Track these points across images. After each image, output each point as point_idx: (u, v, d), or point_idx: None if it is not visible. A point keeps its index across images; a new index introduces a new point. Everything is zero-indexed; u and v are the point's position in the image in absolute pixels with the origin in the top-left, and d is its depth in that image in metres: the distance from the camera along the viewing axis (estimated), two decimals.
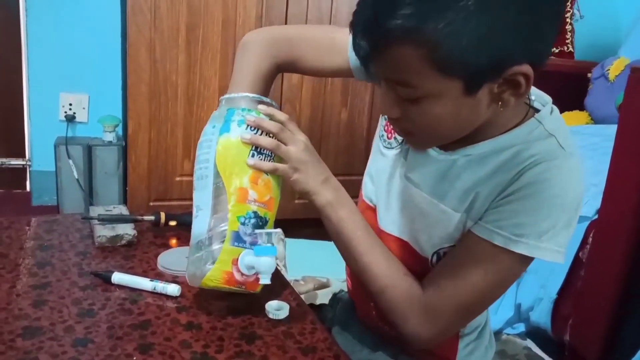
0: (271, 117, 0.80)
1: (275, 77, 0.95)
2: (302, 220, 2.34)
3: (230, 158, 0.78)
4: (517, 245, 0.70)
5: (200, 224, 0.78)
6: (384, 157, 0.86)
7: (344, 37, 0.85)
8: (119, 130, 2.37)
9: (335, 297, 1.12)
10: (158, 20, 1.96)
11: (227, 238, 0.76)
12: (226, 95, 0.84)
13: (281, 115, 0.81)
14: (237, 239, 0.76)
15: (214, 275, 0.76)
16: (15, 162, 2.52)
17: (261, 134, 0.79)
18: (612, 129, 1.53)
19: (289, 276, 1.45)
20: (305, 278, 1.25)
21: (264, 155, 0.79)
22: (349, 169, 2.27)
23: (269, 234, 0.77)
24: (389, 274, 0.79)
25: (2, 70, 2.43)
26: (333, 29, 0.92)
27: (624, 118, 1.36)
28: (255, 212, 0.78)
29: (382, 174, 0.86)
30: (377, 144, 0.91)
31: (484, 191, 0.73)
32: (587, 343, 1.44)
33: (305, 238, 2.06)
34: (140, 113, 2.03)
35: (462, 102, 0.65)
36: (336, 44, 0.88)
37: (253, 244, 0.77)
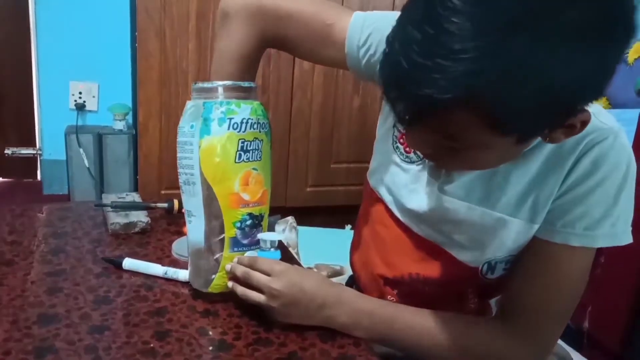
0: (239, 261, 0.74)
1: (263, 52, 0.86)
2: (314, 208, 2.34)
3: (216, 164, 0.73)
4: (595, 240, 0.68)
5: (195, 232, 0.77)
6: (403, 171, 0.80)
7: (342, 26, 0.77)
8: (129, 118, 2.36)
9: (349, 284, 1.11)
10: (168, 6, 1.94)
11: (226, 245, 0.76)
12: (199, 84, 0.75)
13: (244, 259, 0.74)
14: (236, 244, 0.76)
15: (218, 283, 0.77)
16: (26, 151, 2.52)
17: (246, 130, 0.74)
18: (632, 113, 1.50)
19: (303, 264, 1.44)
20: (318, 266, 1.23)
21: (250, 153, 0.74)
22: (361, 157, 2.26)
23: (272, 241, 0.75)
24: (455, 337, 0.72)
25: (12, 59, 2.42)
26: (328, 12, 0.80)
27: None
28: (250, 214, 0.76)
29: (402, 188, 0.80)
30: (388, 153, 0.83)
31: (543, 192, 0.69)
32: (606, 331, 1.42)
33: (318, 226, 2.05)
34: (151, 100, 2.02)
35: (510, 149, 0.60)
36: (333, 34, 0.78)
37: (252, 244, 0.77)
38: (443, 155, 0.61)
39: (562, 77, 0.50)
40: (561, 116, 0.55)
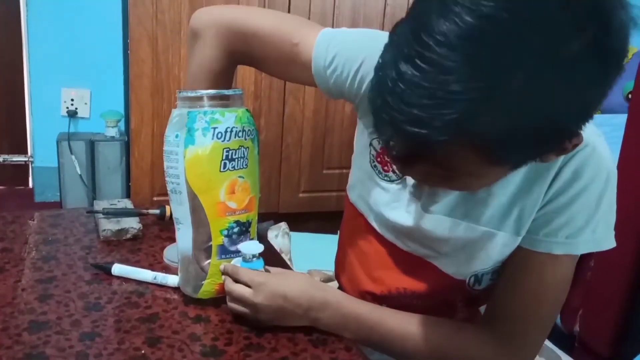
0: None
1: (235, 69, 0.87)
2: (307, 213, 2.34)
3: (201, 174, 0.73)
4: (577, 247, 0.68)
5: (183, 239, 0.78)
6: (383, 190, 0.79)
7: (308, 45, 0.76)
8: (122, 125, 2.36)
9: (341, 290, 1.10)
10: (160, 13, 1.95)
11: (213, 253, 0.76)
12: (183, 93, 0.75)
13: (228, 268, 0.75)
14: (224, 251, 0.77)
15: (207, 290, 0.78)
16: (18, 158, 2.51)
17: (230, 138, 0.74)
18: (620, 118, 1.51)
19: (295, 270, 1.44)
20: (311, 271, 1.23)
21: (236, 162, 0.75)
22: None
23: (254, 255, 0.76)
24: (440, 343, 0.73)
25: (3, 66, 2.42)
26: (294, 31, 0.78)
27: (634, 106, 1.34)
28: (237, 221, 0.77)
29: (383, 206, 0.79)
30: (366, 170, 0.81)
31: (527, 204, 0.69)
32: (597, 334, 1.43)
33: (311, 231, 2.05)
34: (143, 107, 2.02)
35: (504, 173, 0.60)
36: (299, 53, 0.77)
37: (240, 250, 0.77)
38: (435, 181, 0.62)
39: (558, 112, 0.49)
40: (556, 144, 0.55)
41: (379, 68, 0.53)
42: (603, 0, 0.47)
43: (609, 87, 0.52)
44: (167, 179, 0.77)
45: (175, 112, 0.76)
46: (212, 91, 0.75)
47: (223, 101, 0.75)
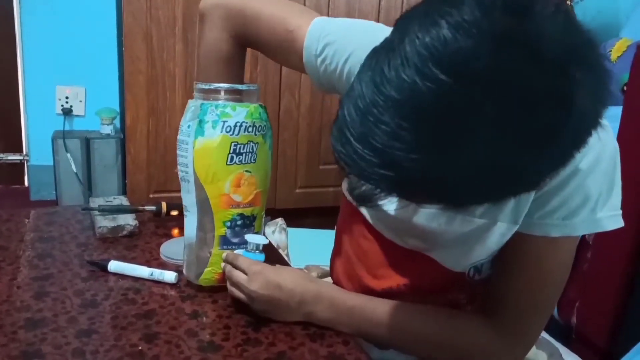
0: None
1: (244, 51, 0.86)
2: (304, 209, 2.33)
3: (208, 165, 0.75)
4: (575, 229, 0.67)
5: (189, 227, 0.80)
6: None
7: (302, 34, 0.75)
8: (117, 122, 2.35)
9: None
10: (154, 9, 1.93)
11: (216, 243, 0.78)
12: (199, 84, 0.77)
13: (229, 255, 0.77)
14: (225, 242, 0.79)
15: (207, 277, 0.80)
16: (13, 157, 2.50)
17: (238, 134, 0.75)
18: (615, 110, 1.51)
19: (293, 265, 1.44)
20: (308, 267, 1.23)
21: (243, 156, 0.76)
22: None
23: (257, 244, 0.77)
24: (436, 331, 0.73)
25: None
26: (291, 18, 0.78)
27: (629, 97, 1.34)
28: (240, 214, 0.78)
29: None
30: None
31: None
32: (594, 326, 1.44)
33: (308, 227, 2.05)
34: (138, 104, 2.01)
35: None
36: (294, 41, 0.77)
37: (242, 243, 0.79)
38: None
39: (515, 186, 0.49)
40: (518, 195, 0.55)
41: (341, 106, 0.50)
42: (564, 84, 0.44)
43: (579, 151, 0.49)
44: (178, 166, 0.79)
45: (191, 103, 0.78)
46: (225, 85, 0.77)
47: (236, 95, 0.77)
